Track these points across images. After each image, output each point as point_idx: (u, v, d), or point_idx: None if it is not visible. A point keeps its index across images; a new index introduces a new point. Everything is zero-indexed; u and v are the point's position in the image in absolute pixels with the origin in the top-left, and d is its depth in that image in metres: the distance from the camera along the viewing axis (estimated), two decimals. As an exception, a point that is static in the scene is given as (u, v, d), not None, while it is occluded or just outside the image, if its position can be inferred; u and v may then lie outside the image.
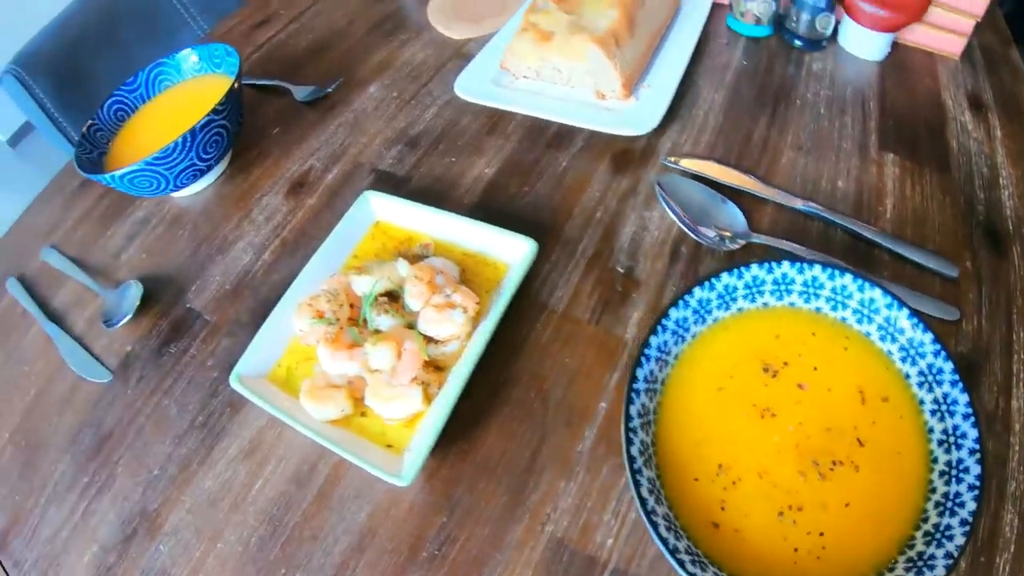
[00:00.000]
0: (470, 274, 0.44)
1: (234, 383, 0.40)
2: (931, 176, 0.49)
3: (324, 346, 0.41)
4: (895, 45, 0.61)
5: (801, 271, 0.37)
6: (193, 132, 0.50)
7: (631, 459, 0.31)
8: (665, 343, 0.36)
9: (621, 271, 0.45)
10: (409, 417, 0.39)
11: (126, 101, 0.60)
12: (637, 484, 0.31)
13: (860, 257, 0.44)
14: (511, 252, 0.44)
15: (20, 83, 0.77)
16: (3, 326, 0.52)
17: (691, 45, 0.58)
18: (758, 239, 0.44)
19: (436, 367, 0.40)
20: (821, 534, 0.31)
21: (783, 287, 0.38)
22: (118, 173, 0.49)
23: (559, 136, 0.54)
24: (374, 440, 0.38)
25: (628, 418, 0.33)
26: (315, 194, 0.55)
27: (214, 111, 0.50)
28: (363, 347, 0.40)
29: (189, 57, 0.61)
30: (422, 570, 0.35)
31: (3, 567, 0.41)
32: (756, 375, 0.36)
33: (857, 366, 0.36)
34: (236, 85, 0.53)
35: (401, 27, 0.71)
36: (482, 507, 0.36)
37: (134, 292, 0.49)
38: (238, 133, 0.57)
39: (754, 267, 0.38)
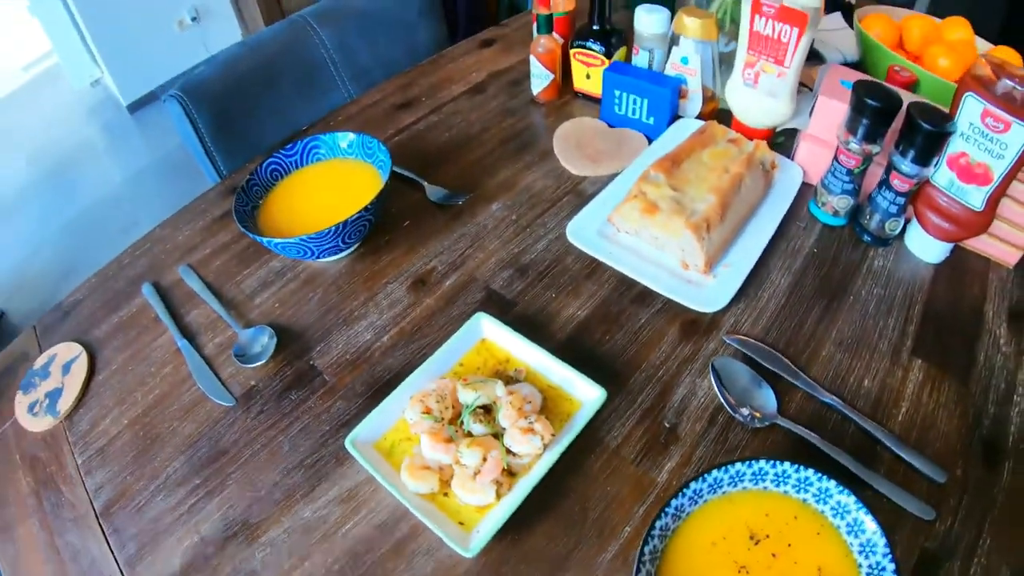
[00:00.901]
0: (551, 403, 0.59)
1: (348, 446, 0.55)
2: (950, 386, 0.59)
3: (427, 437, 0.55)
4: (955, 247, 0.70)
5: (797, 470, 0.50)
6: (345, 223, 0.66)
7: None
8: (681, 505, 0.50)
9: (667, 425, 0.58)
10: (482, 506, 0.54)
11: (282, 164, 0.77)
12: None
13: (866, 450, 0.54)
14: (586, 393, 0.59)
15: (181, 108, 0.95)
16: (136, 325, 0.70)
17: (771, 230, 0.69)
18: (782, 423, 0.56)
19: (510, 472, 0.55)
20: None
21: (782, 478, 0.50)
22: (275, 241, 0.65)
23: (643, 294, 0.67)
24: (450, 516, 0.53)
25: (641, 554, 0.47)
26: (434, 295, 0.70)
27: (365, 208, 0.66)
28: (458, 445, 0.55)
29: (346, 138, 0.77)
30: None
31: (104, 531, 0.55)
32: (743, 540, 0.48)
33: (822, 551, 0.48)
34: (386, 187, 0.69)
35: (528, 148, 0.86)
36: (521, 586, 0.51)
37: (268, 340, 0.66)
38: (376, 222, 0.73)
39: (761, 462, 0.50)
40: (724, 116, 0.82)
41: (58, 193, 2.55)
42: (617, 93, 0.81)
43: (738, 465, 0.50)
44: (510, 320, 0.64)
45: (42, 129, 2.88)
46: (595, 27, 0.83)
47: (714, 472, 0.50)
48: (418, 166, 0.84)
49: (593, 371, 0.59)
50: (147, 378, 0.66)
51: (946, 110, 0.63)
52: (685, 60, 0.77)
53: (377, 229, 0.77)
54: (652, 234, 0.68)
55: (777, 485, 0.51)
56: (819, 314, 0.65)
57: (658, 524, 0.48)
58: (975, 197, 0.65)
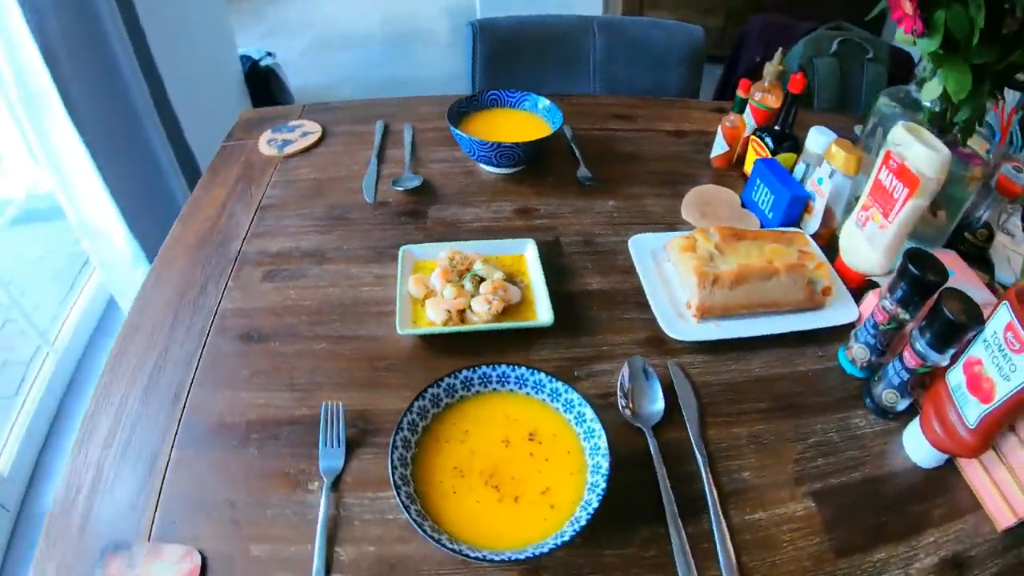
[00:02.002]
0: (522, 305, 0.82)
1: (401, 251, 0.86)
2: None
3: (440, 271, 0.82)
4: (950, 464, 0.69)
5: (533, 374, 0.66)
6: (499, 145, 0.97)
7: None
8: (437, 395, 0.65)
9: (576, 375, 0.75)
10: (435, 322, 0.78)
11: (498, 99, 1.11)
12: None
13: (692, 515, 0.63)
14: (543, 315, 0.79)
15: (471, 34, 1.40)
16: (360, 140, 1.09)
17: (784, 328, 0.78)
18: (647, 435, 0.69)
19: (461, 317, 0.79)
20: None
21: (522, 381, 0.66)
22: (458, 132, 0.99)
23: (643, 303, 0.82)
24: (415, 318, 0.80)
25: (394, 442, 0.59)
26: (524, 220, 0.96)
27: (515, 143, 0.97)
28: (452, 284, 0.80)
29: (543, 102, 1.09)
30: None
31: (254, 220, 0.96)
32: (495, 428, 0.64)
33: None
34: (540, 141, 0.99)
35: (671, 186, 1.03)
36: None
37: (417, 183, 1.01)
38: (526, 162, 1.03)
39: (503, 366, 0.66)
40: (834, 245, 0.89)
41: (392, 48, 3.67)
42: (757, 181, 0.95)
43: (484, 368, 0.67)
44: (550, 262, 0.87)
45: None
46: (777, 127, 0.98)
47: (464, 372, 0.66)
48: (590, 155, 1.09)
49: (566, 316, 0.79)
50: (339, 167, 1.06)
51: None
52: (820, 181, 0.87)
53: (527, 169, 1.05)
54: (677, 268, 0.82)
55: (520, 388, 0.66)
56: (766, 407, 0.72)
57: (407, 418, 0.62)
58: (972, 411, 0.65)
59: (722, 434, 0.69)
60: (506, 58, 1.42)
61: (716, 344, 0.77)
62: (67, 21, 1.37)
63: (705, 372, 0.75)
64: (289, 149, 1.12)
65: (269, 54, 2.91)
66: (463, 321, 0.78)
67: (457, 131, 0.98)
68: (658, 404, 0.70)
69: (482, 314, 0.77)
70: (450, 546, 0.53)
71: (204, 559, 0.56)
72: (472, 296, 0.79)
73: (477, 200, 1.00)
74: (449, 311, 0.78)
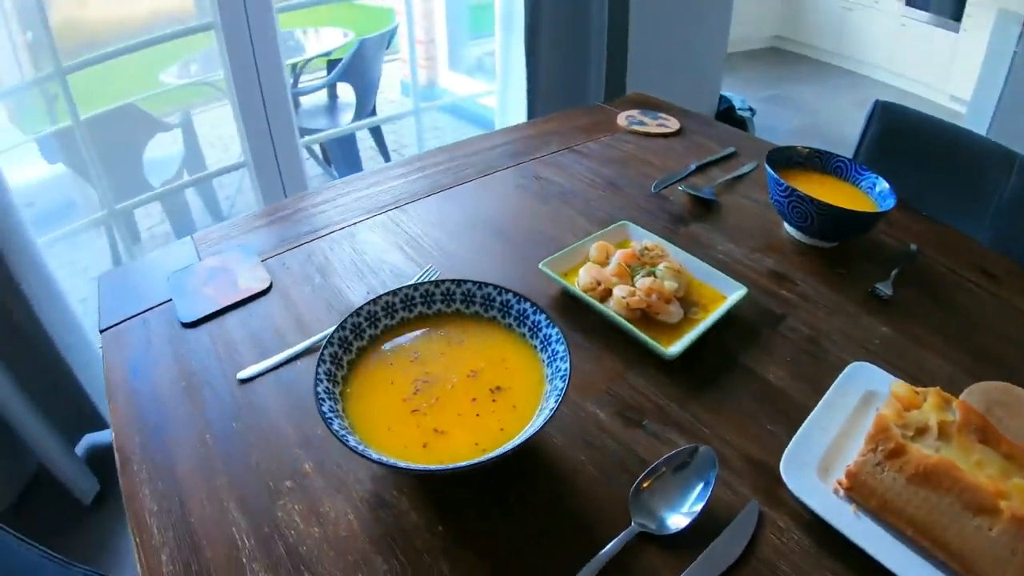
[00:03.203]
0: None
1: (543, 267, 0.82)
2: None
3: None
4: None
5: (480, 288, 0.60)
6: None
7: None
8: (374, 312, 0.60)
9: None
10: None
11: (832, 165, 0.88)
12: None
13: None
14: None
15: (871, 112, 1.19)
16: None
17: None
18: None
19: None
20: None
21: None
22: (783, 183, 0.87)
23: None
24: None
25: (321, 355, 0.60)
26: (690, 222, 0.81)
27: None
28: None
29: (883, 185, 0.88)
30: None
31: None
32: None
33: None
34: (878, 213, 0.82)
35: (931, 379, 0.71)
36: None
37: None
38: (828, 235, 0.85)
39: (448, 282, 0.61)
40: None
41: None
42: None
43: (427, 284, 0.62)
44: (748, 325, 0.73)
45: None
46: None
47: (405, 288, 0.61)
48: (910, 279, 0.81)
49: (702, 373, 0.67)
50: (661, 155, 1.05)
51: None
52: None
53: (818, 250, 0.86)
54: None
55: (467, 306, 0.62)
56: None
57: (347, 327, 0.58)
58: None
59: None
60: (896, 149, 1.18)
61: (834, 535, 0.51)
62: None
63: (786, 552, 0.50)
64: (636, 128, 1.19)
65: (751, 110, 3.02)
66: (600, 300, 0.72)
67: (775, 174, 0.87)
68: (680, 517, 0.51)
69: (618, 300, 0.70)
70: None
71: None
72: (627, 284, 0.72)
73: (745, 241, 0.88)
74: (597, 281, 0.73)
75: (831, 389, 0.62)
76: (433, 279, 0.72)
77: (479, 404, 0.54)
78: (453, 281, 0.62)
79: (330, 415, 0.49)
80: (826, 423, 0.58)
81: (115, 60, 1.63)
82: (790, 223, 0.89)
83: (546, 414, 0.50)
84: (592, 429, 0.59)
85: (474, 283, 0.62)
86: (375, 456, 0.46)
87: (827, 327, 0.73)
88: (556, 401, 0.50)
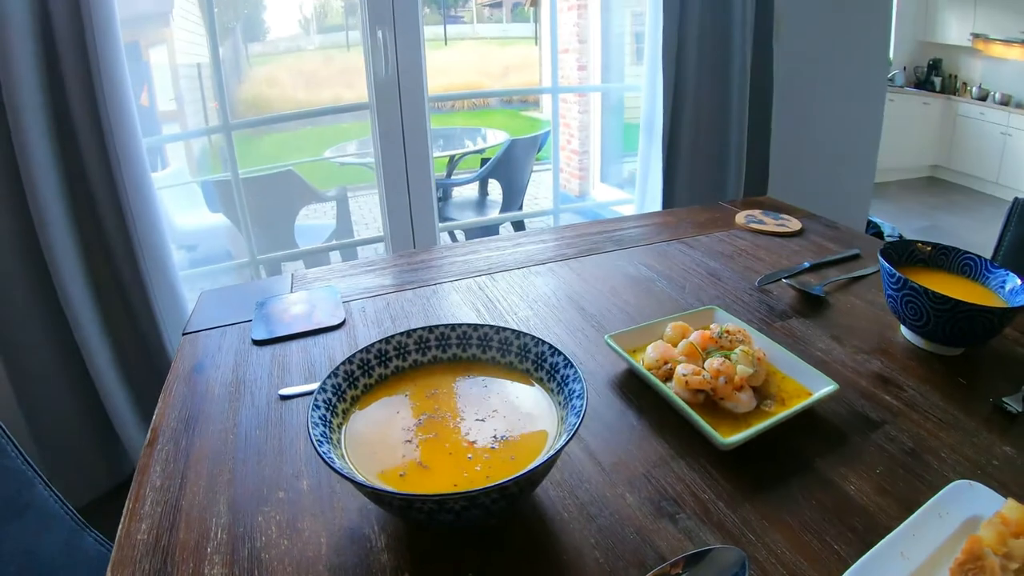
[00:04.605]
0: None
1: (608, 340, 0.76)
2: None
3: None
4: None
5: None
6: None
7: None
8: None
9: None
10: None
11: (959, 262, 0.77)
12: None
13: None
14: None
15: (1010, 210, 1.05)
16: None
17: None
18: None
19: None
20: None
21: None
22: (901, 278, 0.77)
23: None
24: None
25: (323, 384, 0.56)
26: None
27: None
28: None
29: (1014, 282, 0.70)
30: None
31: None
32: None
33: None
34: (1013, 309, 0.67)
35: None
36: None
37: None
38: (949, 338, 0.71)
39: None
40: None
41: None
42: None
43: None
44: (834, 424, 0.62)
45: None
46: None
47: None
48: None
49: (759, 464, 0.56)
50: (772, 252, 0.98)
51: None
52: None
53: (931, 356, 0.73)
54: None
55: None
56: None
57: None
58: None
59: None
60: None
61: None
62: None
63: None
64: (754, 225, 1.14)
65: (901, 238, 2.78)
66: (664, 380, 0.65)
67: (888, 265, 0.76)
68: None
69: (678, 378, 0.63)
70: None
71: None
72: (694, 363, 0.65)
73: (851, 341, 0.77)
74: (664, 359, 0.67)
75: (924, 507, 0.48)
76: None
77: (476, 448, 0.50)
78: (491, 327, 0.61)
79: (317, 421, 0.48)
80: (910, 548, 0.45)
81: (289, 135, 1.92)
82: (905, 323, 0.76)
83: (548, 455, 0.45)
84: (614, 511, 0.51)
85: (513, 331, 0.60)
86: (333, 463, 0.44)
87: (935, 442, 0.59)
88: (563, 442, 0.45)
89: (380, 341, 0.58)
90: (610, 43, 3.87)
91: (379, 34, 1.68)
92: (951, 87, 5.15)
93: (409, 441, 0.51)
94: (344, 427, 0.52)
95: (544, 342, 0.57)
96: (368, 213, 4.43)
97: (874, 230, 2.80)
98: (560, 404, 0.53)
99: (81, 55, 1.28)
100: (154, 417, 0.64)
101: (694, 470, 0.56)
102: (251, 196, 1.84)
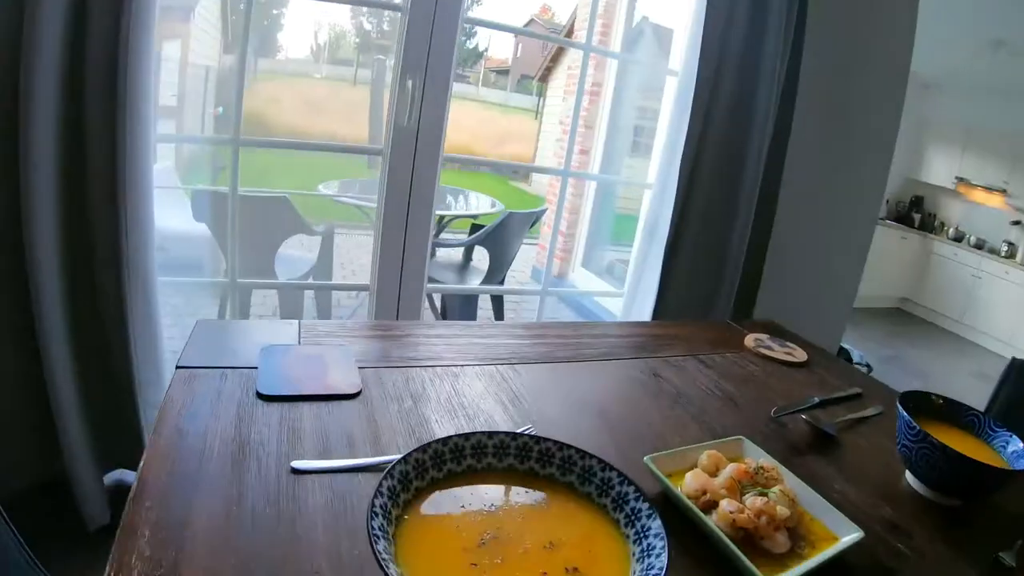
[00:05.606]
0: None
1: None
2: None
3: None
4: None
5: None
6: None
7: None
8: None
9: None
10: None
11: (965, 418, 0.82)
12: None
13: None
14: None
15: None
16: None
17: None
18: None
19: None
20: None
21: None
22: (918, 430, 0.81)
23: None
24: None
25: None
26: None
27: None
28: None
29: (1017, 445, 0.76)
30: None
31: None
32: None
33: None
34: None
35: None
36: None
37: None
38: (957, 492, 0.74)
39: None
40: None
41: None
42: None
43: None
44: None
45: None
46: None
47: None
48: None
49: None
50: (785, 382, 1.01)
51: None
52: None
53: (936, 508, 0.76)
54: None
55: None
56: None
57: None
58: None
59: None
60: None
61: None
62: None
63: None
64: (764, 351, 1.18)
65: (868, 366, 2.88)
66: (703, 507, 0.66)
67: (908, 417, 0.79)
68: None
69: (723, 513, 0.64)
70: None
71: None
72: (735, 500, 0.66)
73: (863, 484, 0.80)
74: (704, 489, 0.67)
75: None
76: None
77: (550, 579, 0.49)
78: (555, 442, 0.60)
79: (377, 532, 0.46)
80: None
81: (281, 158, 1.91)
82: (915, 472, 0.82)
83: None
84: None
85: (577, 450, 0.60)
86: (388, 568, 0.42)
87: None
88: None
89: (436, 442, 0.57)
90: (616, 133, 4.04)
91: (408, 83, 1.68)
92: (930, 225, 5.52)
93: (476, 564, 0.49)
94: (396, 536, 0.50)
95: (612, 468, 0.57)
96: (346, 255, 4.40)
97: (845, 355, 2.93)
98: (628, 538, 0.52)
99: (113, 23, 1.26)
100: (141, 466, 0.58)
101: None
102: (240, 215, 1.81)
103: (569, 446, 0.60)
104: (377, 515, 0.48)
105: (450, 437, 0.58)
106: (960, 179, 5.20)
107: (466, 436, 0.59)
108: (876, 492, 0.79)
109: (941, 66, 4.27)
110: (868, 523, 0.72)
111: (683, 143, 1.89)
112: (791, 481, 0.72)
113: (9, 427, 1.46)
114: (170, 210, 2.41)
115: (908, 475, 0.83)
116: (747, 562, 0.58)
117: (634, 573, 0.50)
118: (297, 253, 2.82)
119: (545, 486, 0.59)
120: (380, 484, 0.50)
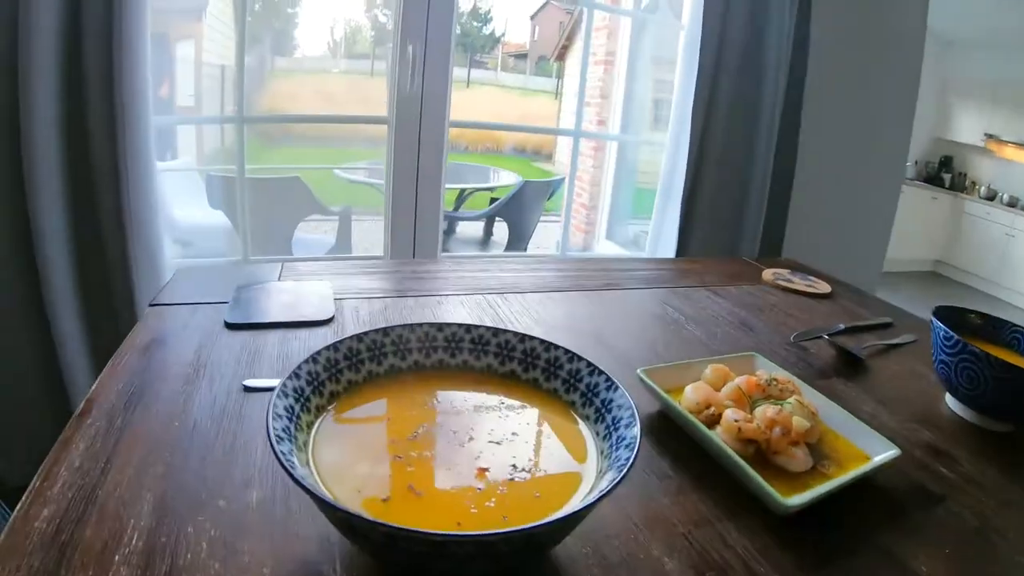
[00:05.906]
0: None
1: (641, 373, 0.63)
2: None
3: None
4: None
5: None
6: None
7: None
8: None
9: None
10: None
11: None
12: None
13: None
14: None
15: None
16: None
17: None
18: None
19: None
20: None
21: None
22: (959, 341, 0.67)
23: None
24: None
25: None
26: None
27: None
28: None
29: None
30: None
31: None
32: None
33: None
34: None
35: None
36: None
37: None
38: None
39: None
40: None
41: None
42: None
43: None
44: (886, 494, 0.53)
45: None
46: None
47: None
48: None
49: (821, 531, 0.46)
50: (807, 311, 0.90)
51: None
52: None
53: (983, 433, 0.64)
54: None
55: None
56: None
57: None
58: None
59: None
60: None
61: None
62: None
63: None
64: (783, 283, 1.06)
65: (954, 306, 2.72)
66: (706, 422, 0.56)
67: (948, 330, 0.67)
68: None
69: (728, 423, 0.53)
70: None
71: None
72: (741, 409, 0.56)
73: (898, 408, 0.68)
74: (707, 402, 0.57)
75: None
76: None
77: (489, 477, 0.40)
78: (488, 328, 0.51)
79: (281, 413, 0.37)
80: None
81: (300, 151, 1.85)
82: (957, 391, 0.68)
83: (598, 494, 0.34)
84: (646, 577, 0.41)
85: (515, 334, 0.50)
86: (294, 469, 0.33)
87: (999, 521, 0.51)
88: (618, 478, 0.35)
89: (375, 331, 0.49)
90: (632, 103, 3.91)
91: (409, 49, 1.63)
92: (960, 185, 5.25)
93: (400, 457, 0.40)
94: (315, 430, 0.42)
95: (581, 358, 0.48)
96: (367, 238, 4.36)
97: (878, 319, 2.74)
98: (599, 434, 0.43)
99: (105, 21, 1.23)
100: (93, 386, 0.54)
101: (744, 535, 0.46)
102: (254, 198, 1.76)
103: (533, 338, 0.50)
104: (287, 395, 0.39)
105: (393, 327, 0.49)
106: (989, 136, 4.92)
107: (411, 327, 0.50)
108: (913, 416, 0.67)
109: (963, 21, 4.02)
110: (906, 447, 0.59)
111: (692, 100, 1.81)
112: (811, 396, 0.61)
113: (29, 424, 1.44)
114: (192, 205, 2.38)
115: (948, 398, 0.71)
116: (759, 479, 0.48)
117: (600, 452, 0.41)
118: (315, 235, 2.79)
119: (507, 385, 0.50)
120: (298, 366, 0.42)
